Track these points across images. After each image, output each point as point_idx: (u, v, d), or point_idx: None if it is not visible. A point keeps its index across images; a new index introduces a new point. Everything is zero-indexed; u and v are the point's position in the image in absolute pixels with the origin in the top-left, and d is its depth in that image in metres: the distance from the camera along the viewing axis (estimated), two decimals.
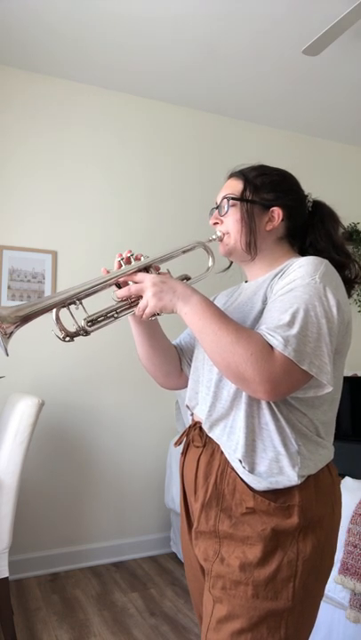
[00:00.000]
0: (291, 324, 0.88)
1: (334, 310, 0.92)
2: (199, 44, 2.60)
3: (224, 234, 1.12)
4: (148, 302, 0.98)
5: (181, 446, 1.16)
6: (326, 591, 1.68)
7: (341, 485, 1.84)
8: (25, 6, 2.33)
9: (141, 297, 1.00)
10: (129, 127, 3.07)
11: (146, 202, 3.09)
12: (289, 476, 0.94)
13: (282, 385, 0.88)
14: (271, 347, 0.88)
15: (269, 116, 3.35)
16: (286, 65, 2.77)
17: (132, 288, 1.00)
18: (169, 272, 1.09)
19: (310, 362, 0.88)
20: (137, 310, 1.01)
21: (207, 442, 1.05)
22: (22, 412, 1.96)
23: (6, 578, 1.92)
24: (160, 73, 2.87)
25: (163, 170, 3.15)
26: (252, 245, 1.08)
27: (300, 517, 0.93)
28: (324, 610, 1.73)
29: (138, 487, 2.93)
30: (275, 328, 0.89)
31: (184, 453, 1.13)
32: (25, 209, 2.79)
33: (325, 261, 0.98)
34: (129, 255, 1.06)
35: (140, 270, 1.04)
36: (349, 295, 1.08)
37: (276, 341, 0.88)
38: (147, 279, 1.00)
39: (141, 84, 2.98)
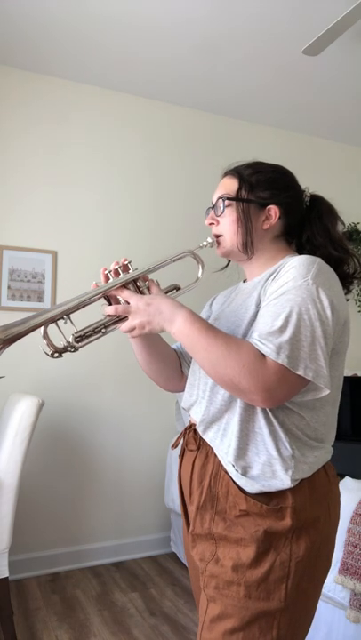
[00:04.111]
0: (283, 329, 0.88)
1: (328, 312, 0.91)
2: (199, 43, 2.60)
3: (218, 236, 1.11)
4: (136, 327, 0.97)
5: (179, 448, 1.16)
6: (326, 591, 1.68)
7: (341, 485, 1.85)
8: (25, 6, 2.33)
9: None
10: (129, 127, 3.07)
11: (146, 201, 3.09)
12: (282, 480, 0.93)
13: (277, 392, 0.88)
14: (263, 355, 0.88)
15: (269, 115, 3.35)
16: (286, 65, 2.77)
17: (118, 309, 0.99)
18: (157, 283, 1.07)
19: (305, 366, 0.87)
20: (122, 330, 1.00)
21: (201, 445, 1.05)
22: (22, 412, 1.96)
23: (6, 578, 1.92)
24: (160, 73, 2.87)
25: (162, 169, 3.15)
26: (248, 245, 1.07)
27: (293, 519, 0.93)
28: (325, 610, 1.73)
29: (138, 487, 2.93)
30: (267, 335, 0.89)
31: (181, 456, 1.13)
32: (25, 209, 2.79)
33: (318, 260, 0.96)
34: (117, 267, 1.04)
35: (128, 283, 1.02)
36: (349, 290, 1.07)
37: (268, 349, 0.87)
38: (133, 301, 0.98)
39: (141, 84, 2.98)
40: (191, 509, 1.05)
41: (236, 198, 1.08)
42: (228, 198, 1.09)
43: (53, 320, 0.98)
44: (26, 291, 2.74)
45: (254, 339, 0.91)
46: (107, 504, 2.85)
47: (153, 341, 1.19)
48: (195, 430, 1.08)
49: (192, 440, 1.08)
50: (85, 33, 2.52)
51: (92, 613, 2.25)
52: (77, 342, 1.01)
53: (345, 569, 1.63)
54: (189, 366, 1.22)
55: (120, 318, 1.02)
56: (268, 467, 0.94)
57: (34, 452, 2.64)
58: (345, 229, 1.12)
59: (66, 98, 2.92)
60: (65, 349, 0.99)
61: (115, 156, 3.02)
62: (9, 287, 2.70)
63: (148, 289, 1.04)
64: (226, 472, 0.98)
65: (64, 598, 2.39)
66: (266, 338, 0.88)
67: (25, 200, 2.79)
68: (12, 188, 2.77)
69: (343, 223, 1.13)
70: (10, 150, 2.78)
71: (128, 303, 0.99)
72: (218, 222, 1.11)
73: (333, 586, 1.67)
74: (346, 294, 1.06)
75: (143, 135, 3.11)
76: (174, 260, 1.11)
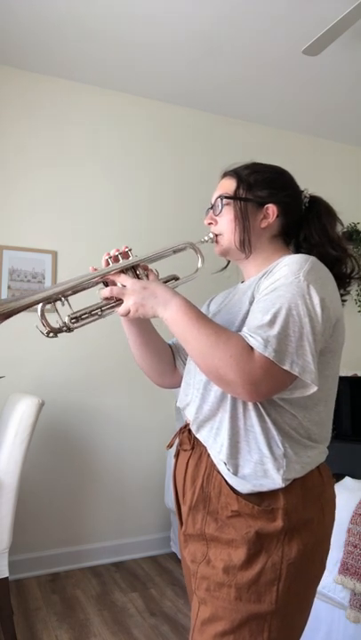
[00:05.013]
0: (271, 323, 0.88)
1: (318, 309, 0.90)
2: (199, 43, 2.60)
3: (217, 235, 1.11)
4: (130, 309, 0.98)
5: (175, 448, 1.16)
6: (326, 591, 1.68)
7: (341, 485, 1.85)
8: (25, 6, 2.33)
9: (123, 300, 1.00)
10: (129, 127, 3.08)
11: (146, 201, 3.09)
12: (274, 480, 0.93)
13: (262, 385, 0.88)
14: (252, 348, 0.88)
15: (269, 115, 3.35)
16: (286, 65, 2.77)
17: (114, 290, 1.00)
18: (157, 272, 1.08)
19: (292, 361, 0.87)
20: (118, 313, 1.01)
21: (195, 445, 1.05)
22: (22, 412, 1.96)
23: (6, 578, 1.92)
24: (160, 72, 2.87)
25: (163, 169, 3.15)
26: (246, 243, 1.08)
27: (285, 521, 0.92)
28: (325, 610, 1.73)
29: (138, 487, 2.93)
30: (256, 329, 0.89)
31: (176, 456, 1.13)
32: (25, 209, 2.79)
33: (312, 258, 0.96)
34: (117, 254, 1.05)
35: (127, 270, 1.03)
36: (346, 290, 1.07)
37: (256, 342, 0.87)
38: (128, 284, 0.99)
39: (141, 84, 2.98)
40: (184, 509, 1.05)
41: (234, 197, 1.09)
42: (226, 197, 1.10)
43: (50, 299, 0.98)
44: (26, 291, 2.74)
45: (244, 332, 0.91)
46: (107, 504, 2.85)
47: (147, 333, 1.19)
48: (189, 430, 1.08)
49: (186, 440, 1.08)
50: (86, 33, 2.52)
51: (92, 613, 2.25)
52: (73, 323, 1.01)
53: (345, 569, 1.63)
54: (184, 363, 1.23)
55: (116, 302, 1.02)
56: (259, 465, 0.94)
57: (34, 451, 2.64)
58: (344, 229, 1.11)
59: (66, 98, 2.92)
60: (60, 330, 0.99)
61: (115, 156, 3.03)
62: (9, 287, 2.70)
63: (147, 277, 1.05)
64: (218, 472, 0.98)
65: (64, 598, 2.39)
66: (255, 331, 0.88)
67: (25, 200, 2.79)
68: (12, 188, 2.77)
69: (342, 224, 1.13)
70: (10, 150, 2.78)
71: (124, 286, 1.00)
72: (216, 222, 1.12)
73: (333, 586, 1.66)
74: (344, 294, 1.06)
75: (143, 135, 3.11)
76: (174, 252, 1.13)
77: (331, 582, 1.66)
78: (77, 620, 2.19)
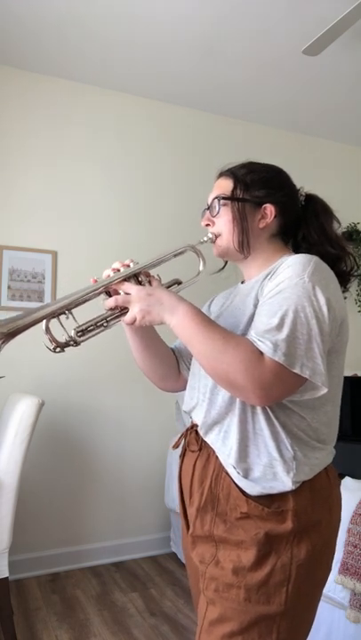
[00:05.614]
0: (280, 327, 0.87)
1: (325, 309, 0.90)
2: (199, 43, 2.60)
3: (216, 235, 1.10)
4: (136, 316, 0.97)
5: (180, 449, 1.16)
6: (326, 591, 1.68)
7: (341, 485, 1.84)
8: (25, 6, 2.33)
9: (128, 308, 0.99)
10: (129, 127, 3.08)
11: (146, 201, 3.09)
12: (283, 482, 0.93)
13: (273, 390, 0.87)
14: (261, 352, 0.87)
15: (269, 116, 3.35)
16: (286, 65, 2.77)
17: (118, 299, 0.99)
18: (159, 277, 1.07)
19: (302, 364, 0.86)
20: (124, 322, 1.00)
21: (203, 446, 1.04)
22: (22, 412, 1.96)
23: (6, 578, 1.92)
24: (160, 73, 2.87)
25: (163, 170, 3.15)
26: (244, 244, 1.07)
27: (294, 522, 0.92)
28: (325, 610, 1.73)
29: (138, 487, 2.93)
30: (263, 333, 0.88)
31: (182, 457, 1.12)
32: (25, 209, 2.79)
33: (315, 258, 0.96)
34: (119, 267, 1.04)
35: (129, 278, 1.02)
36: (346, 288, 1.07)
37: (266, 347, 0.87)
38: (133, 292, 0.98)
39: (141, 84, 2.98)
40: (191, 511, 1.04)
41: (232, 198, 1.08)
42: (223, 198, 1.08)
43: (55, 314, 0.97)
44: (26, 291, 2.74)
45: (252, 336, 0.90)
46: (107, 504, 2.85)
47: (150, 338, 1.18)
48: (196, 431, 1.07)
49: (194, 441, 1.07)
50: (86, 33, 2.52)
51: (92, 613, 2.25)
52: (79, 337, 1.00)
53: (345, 569, 1.63)
54: (188, 367, 1.22)
55: (122, 312, 1.01)
56: (269, 468, 0.94)
57: (34, 451, 2.63)
58: (340, 228, 1.11)
59: (66, 98, 2.92)
60: (67, 344, 0.98)
61: (114, 157, 3.02)
62: (9, 287, 2.70)
63: (150, 283, 1.04)
64: (227, 474, 0.97)
65: (64, 598, 2.39)
66: (263, 335, 0.88)
67: (25, 200, 2.79)
68: (12, 189, 2.77)
69: (339, 222, 1.12)
70: (10, 150, 2.78)
71: (129, 294, 0.99)
72: (214, 223, 1.11)
73: (333, 586, 1.66)
74: (343, 292, 1.06)
75: (143, 135, 3.11)
76: (175, 255, 1.11)
77: (331, 582, 1.66)
78: (77, 619, 2.19)
